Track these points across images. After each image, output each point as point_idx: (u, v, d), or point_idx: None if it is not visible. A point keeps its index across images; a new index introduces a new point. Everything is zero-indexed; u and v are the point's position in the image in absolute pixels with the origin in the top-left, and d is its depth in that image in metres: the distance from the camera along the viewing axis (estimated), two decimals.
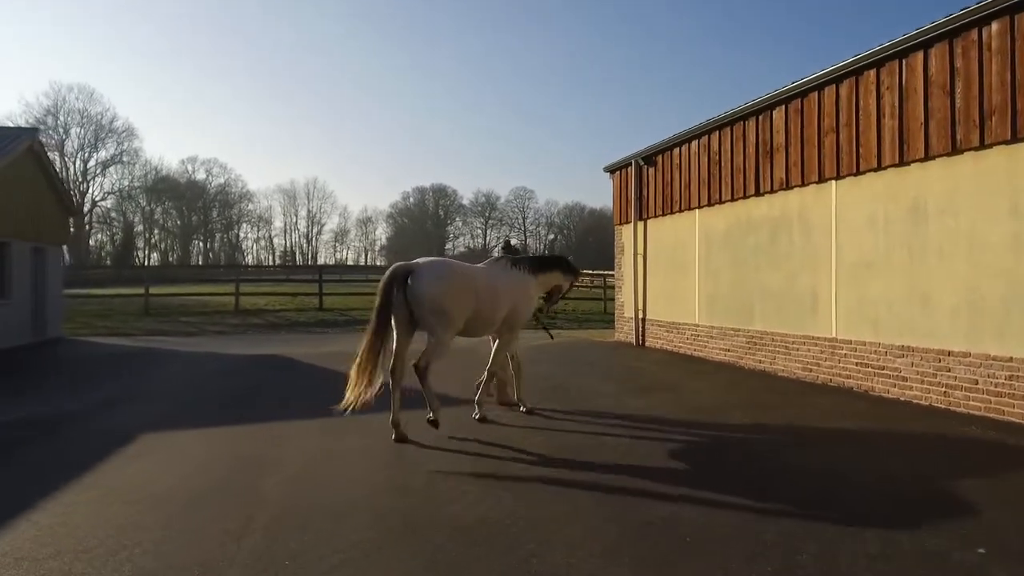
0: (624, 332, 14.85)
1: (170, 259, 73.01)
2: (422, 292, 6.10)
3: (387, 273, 6.25)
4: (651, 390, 8.83)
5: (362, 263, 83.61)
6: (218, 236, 79.49)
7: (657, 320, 13.54)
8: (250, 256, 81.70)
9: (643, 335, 14.03)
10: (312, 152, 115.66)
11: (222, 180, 77.95)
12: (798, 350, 9.53)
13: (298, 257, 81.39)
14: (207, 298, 23.87)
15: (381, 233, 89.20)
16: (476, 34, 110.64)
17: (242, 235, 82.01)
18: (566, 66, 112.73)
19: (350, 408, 5.90)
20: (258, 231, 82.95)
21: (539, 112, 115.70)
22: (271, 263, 79.90)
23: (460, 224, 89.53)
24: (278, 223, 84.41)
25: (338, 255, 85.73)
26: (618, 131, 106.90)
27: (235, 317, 21.19)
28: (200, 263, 71.61)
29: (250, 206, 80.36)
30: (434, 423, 6.19)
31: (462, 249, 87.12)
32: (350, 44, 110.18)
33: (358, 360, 6.05)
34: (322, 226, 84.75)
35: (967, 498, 4.45)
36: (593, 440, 6.12)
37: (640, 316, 14.12)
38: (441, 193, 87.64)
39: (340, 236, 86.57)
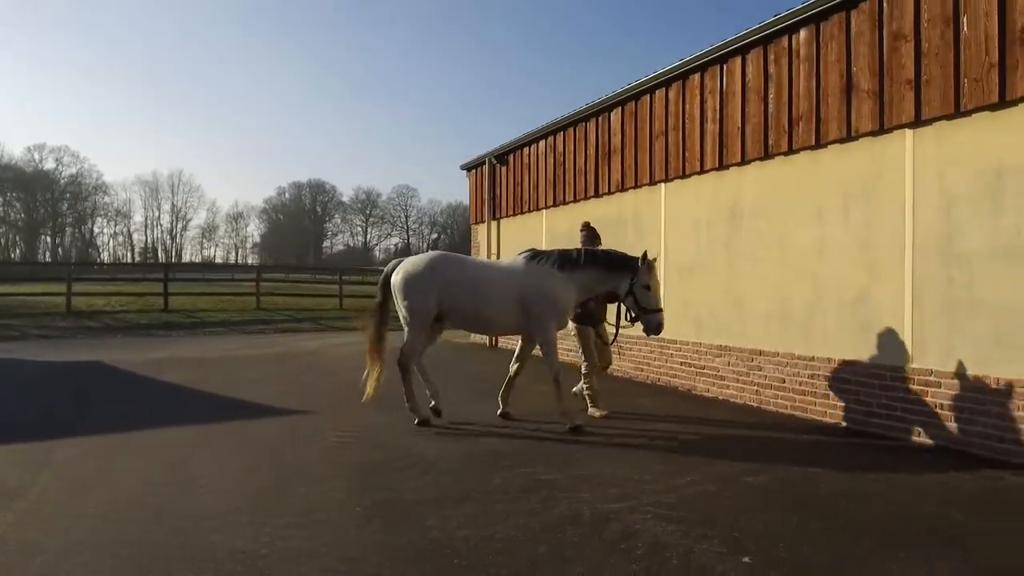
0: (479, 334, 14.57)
1: (12, 256, 66.15)
2: (391, 284, 6.71)
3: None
4: (492, 395, 8.53)
5: (232, 261, 79.39)
6: (69, 231, 72.99)
7: None
8: (106, 253, 75.61)
9: (496, 336, 13.79)
10: (177, 143, 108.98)
11: (74, 170, 71.66)
12: (631, 350, 9.54)
13: (160, 254, 76.06)
14: (37, 298, 21.54)
15: (253, 230, 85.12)
16: (356, 24, 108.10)
17: (97, 230, 75.75)
18: (449, 61, 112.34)
19: (366, 398, 6.74)
20: (115, 226, 76.90)
21: (417, 109, 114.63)
22: (131, 260, 74.15)
23: (339, 221, 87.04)
24: (138, 218, 78.77)
25: (206, 252, 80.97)
26: (494, 129, 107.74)
27: (66, 319, 19.16)
28: (47, 260, 65.33)
29: (106, 199, 74.36)
30: (435, 411, 6.75)
31: (340, 247, 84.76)
32: (218, 30, 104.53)
33: (366, 352, 6.90)
34: (188, 221, 79.68)
35: (738, 500, 4.38)
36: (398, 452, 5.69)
37: None
38: (319, 189, 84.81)
39: (208, 232, 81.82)
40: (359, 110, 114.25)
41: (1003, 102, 5.27)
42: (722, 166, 7.99)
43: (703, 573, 3.39)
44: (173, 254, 77.09)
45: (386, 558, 3.54)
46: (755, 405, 7.46)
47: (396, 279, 6.65)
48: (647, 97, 9.26)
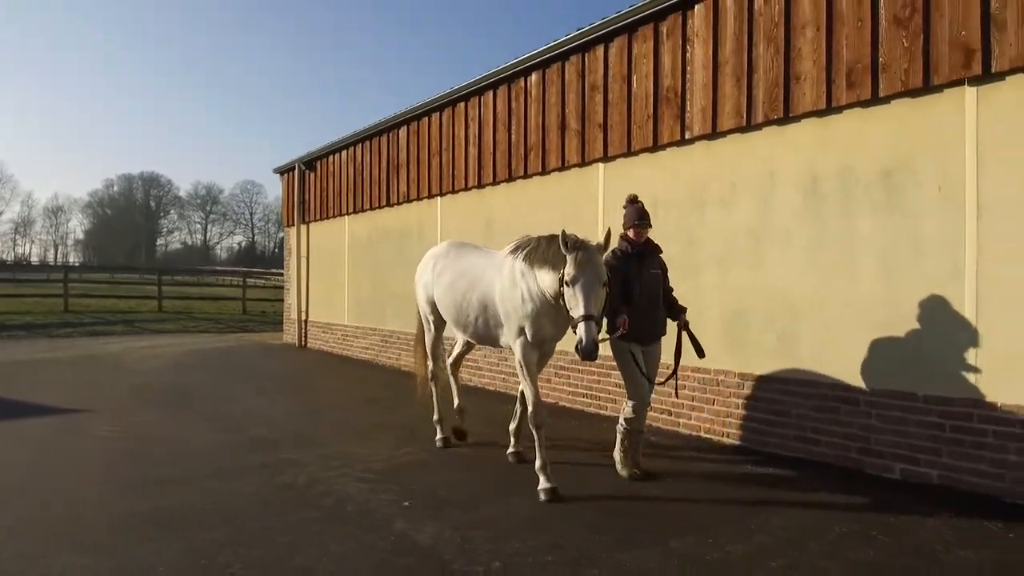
0: (290, 334, 15.11)
1: None
2: None
3: None
4: (281, 390, 9.24)
5: (51, 260, 72.88)
6: None
7: (316, 321, 14.01)
8: None
9: (305, 336, 14.41)
10: None
11: None
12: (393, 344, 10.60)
13: None
14: None
15: (76, 225, 78.61)
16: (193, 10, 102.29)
17: None
18: (285, 55, 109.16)
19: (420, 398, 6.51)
20: None
21: (260, 102, 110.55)
22: None
23: (176, 218, 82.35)
24: None
25: (19, 249, 73.80)
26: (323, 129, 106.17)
27: None
28: None
29: None
30: (459, 433, 6.12)
31: (177, 246, 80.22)
32: (42, 12, 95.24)
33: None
34: None
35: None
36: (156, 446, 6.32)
37: (303, 318, 14.49)
38: (153, 182, 79.86)
39: (23, 227, 74.60)
40: (199, 100, 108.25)
41: (656, 146, 6.78)
42: (480, 185, 9.21)
43: (369, 513, 4.42)
44: None
45: (130, 520, 4.29)
46: (503, 390, 8.72)
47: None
48: (426, 119, 10.33)
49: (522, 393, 5.21)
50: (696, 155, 6.45)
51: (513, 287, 4.94)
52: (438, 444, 6.03)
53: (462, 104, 9.57)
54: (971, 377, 4.57)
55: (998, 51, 4.44)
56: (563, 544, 3.85)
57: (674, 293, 5.24)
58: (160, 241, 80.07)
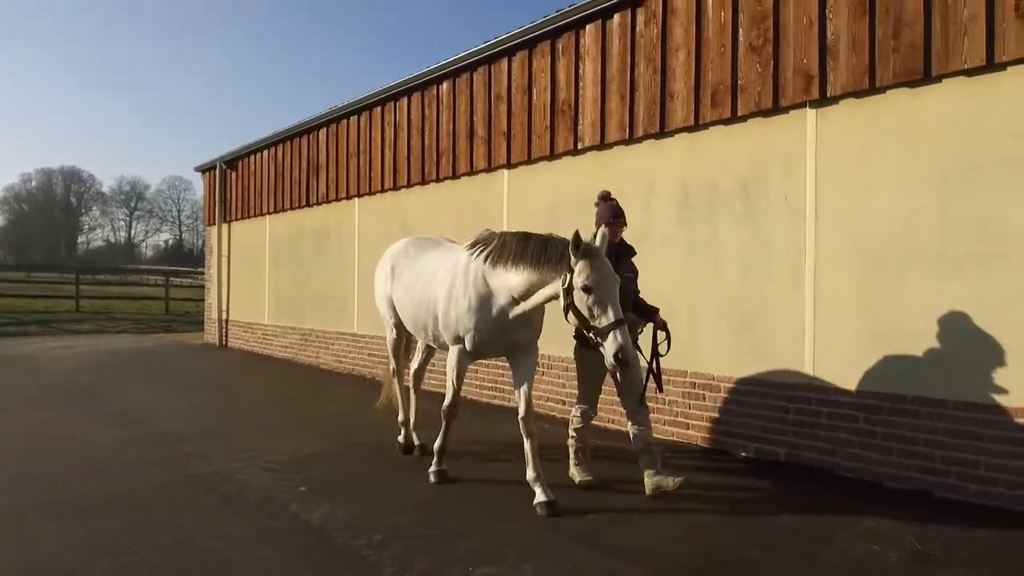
0: (211, 334, 15.06)
1: None
2: None
3: None
4: (194, 389, 9.32)
5: None
6: None
7: (237, 321, 14.04)
8: None
9: (226, 336, 14.40)
10: None
11: None
12: (334, 344, 10.83)
13: None
14: None
15: None
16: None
17: None
18: (214, 49, 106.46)
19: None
20: None
21: (186, 94, 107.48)
22: None
23: (98, 214, 79.13)
24: None
25: None
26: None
27: None
28: None
29: None
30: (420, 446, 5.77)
31: (100, 244, 77.16)
32: None
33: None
34: None
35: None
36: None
37: (224, 317, 14.48)
38: (74, 177, 76.45)
39: None
40: (121, 95, 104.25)
41: (553, 155, 7.26)
42: (396, 187, 9.53)
43: (268, 499, 4.69)
44: None
45: (32, 509, 4.46)
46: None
47: None
48: (345, 121, 10.58)
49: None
50: (587, 164, 6.95)
51: (461, 288, 4.56)
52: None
53: (379, 108, 9.86)
54: (808, 366, 5.20)
55: (833, 78, 5.06)
56: (444, 520, 4.24)
57: None
58: (81, 239, 76.85)
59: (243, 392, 9.26)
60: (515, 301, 4.36)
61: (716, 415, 5.74)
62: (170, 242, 78.55)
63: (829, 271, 5.10)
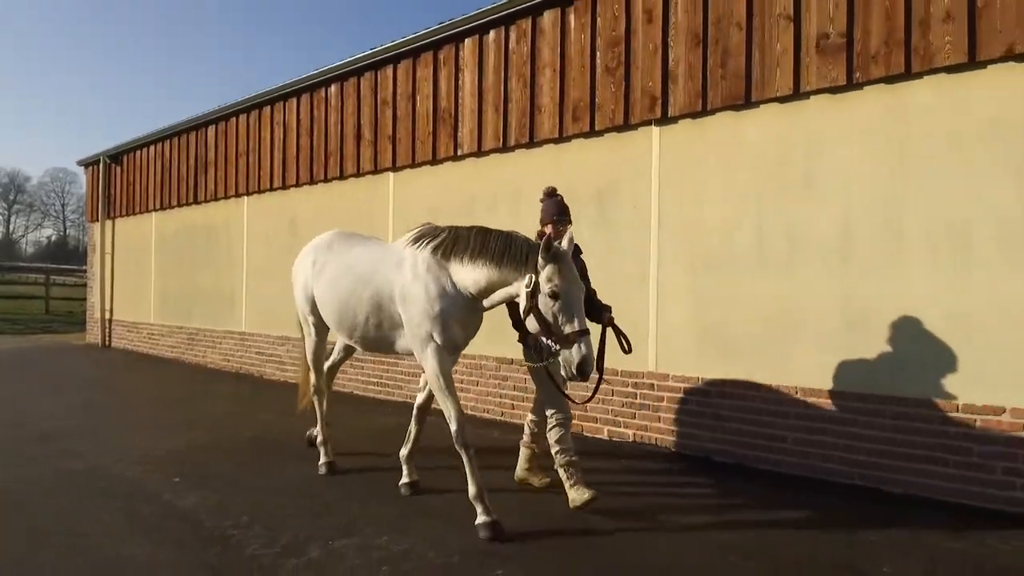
0: (94, 334, 14.55)
1: None
2: None
3: None
4: (74, 389, 9.09)
5: None
6: None
7: (122, 320, 13.65)
8: None
9: (110, 336, 13.97)
10: None
11: None
12: (221, 343, 10.80)
13: None
14: None
15: None
16: None
17: None
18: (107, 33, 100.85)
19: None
20: None
21: (71, 79, 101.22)
22: None
23: None
24: None
25: None
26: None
27: None
28: None
29: None
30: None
31: None
32: None
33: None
34: None
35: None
36: None
37: (107, 317, 14.03)
38: None
39: None
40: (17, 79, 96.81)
41: (435, 160, 7.63)
42: (284, 186, 9.64)
43: (141, 490, 4.82)
44: None
45: None
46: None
47: None
48: (234, 119, 10.57)
49: (419, 409, 4.77)
50: (467, 169, 7.38)
51: (416, 283, 4.28)
52: (321, 470, 5.17)
53: (268, 108, 9.94)
54: (652, 356, 5.81)
55: (673, 99, 5.69)
56: (311, 503, 4.53)
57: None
58: None
59: (125, 392, 9.13)
60: (475, 297, 4.17)
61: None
62: (53, 238, 73.61)
63: (669, 272, 5.73)
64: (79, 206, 74.96)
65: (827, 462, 4.90)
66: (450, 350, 4.30)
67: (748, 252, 5.31)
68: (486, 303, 4.19)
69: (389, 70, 8.15)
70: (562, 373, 3.79)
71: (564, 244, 3.85)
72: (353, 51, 8.34)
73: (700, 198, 5.59)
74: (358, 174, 8.56)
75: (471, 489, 4.05)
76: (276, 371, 9.69)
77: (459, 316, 4.22)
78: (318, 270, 5.12)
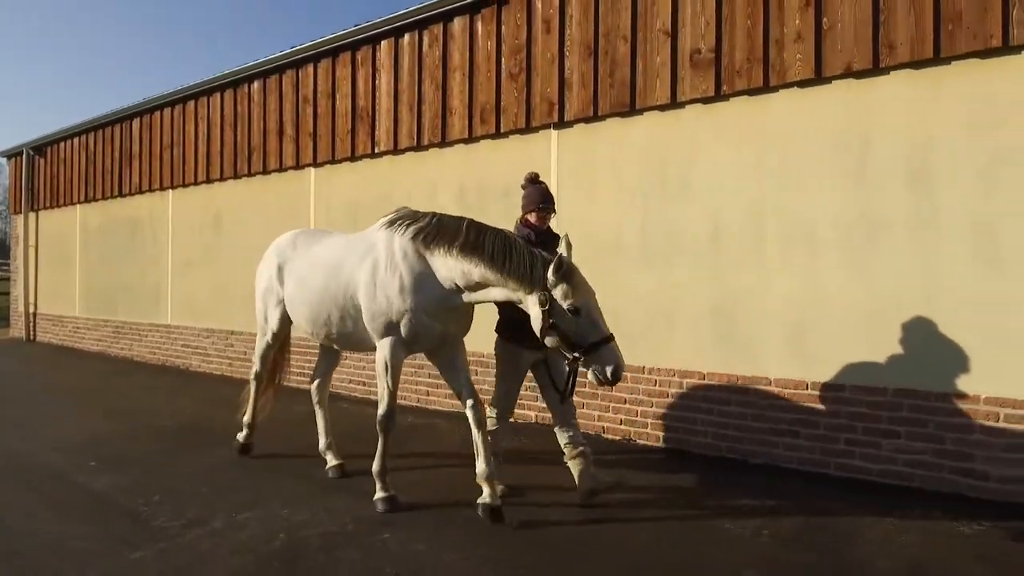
0: (18, 328, 14.30)
1: None
2: None
3: None
4: None
5: None
6: None
7: (46, 314, 13.48)
8: None
9: (34, 330, 13.77)
10: None
11: None
12: (148, 336, 10.85)
13: None
14: None
15: None
16: None
17: None
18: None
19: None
20: None
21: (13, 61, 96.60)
22: None
23: None
24: None
25: None
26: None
27: None
28: None
29: None
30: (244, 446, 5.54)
31: None
32: None
33: None
34: None
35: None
36: None
37: (31, 310, 13.82)
38: None
39: None
40: None
41: (354, 157, 7.92)
42: (209, 180, 9.77)
43: (57, 474, 5.03)
44: None
45: None
46: (229, 375, 9.41)
47: None
48: (158, 113, 10.60)
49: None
50: (384, 166, 7.69)
51: (390, 271, 4.10)
52: (236, 448, 5.49)
53: (192, 103, 10.03)
54: None
55: (568, 106, 6.13)
56: (221, 482, 4.82)
57: None
58: None
59: (49, 385, 9.15)
60: (459, 289, 4.03)
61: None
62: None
63: None
64: (5, 197, 71.82)
65: (694, 436, 5.45)
66: (409, 345, 4.17)
67: (634, 246, 5.81)
68: (471, 298, 4.03)
69: (310, 68, 8.38)
70: (591, 379, 3.72)
71: (563, 249, 3.79)
72: (278, 47, 8.54)
73: (593, 197, 6.06)
74: (281, 169, 8.78)
75: (375, 465, 4.30)
76: (201, 363, 9.83)
77: (433, 309, 4.06)
78: (286, 271, 5.00)
